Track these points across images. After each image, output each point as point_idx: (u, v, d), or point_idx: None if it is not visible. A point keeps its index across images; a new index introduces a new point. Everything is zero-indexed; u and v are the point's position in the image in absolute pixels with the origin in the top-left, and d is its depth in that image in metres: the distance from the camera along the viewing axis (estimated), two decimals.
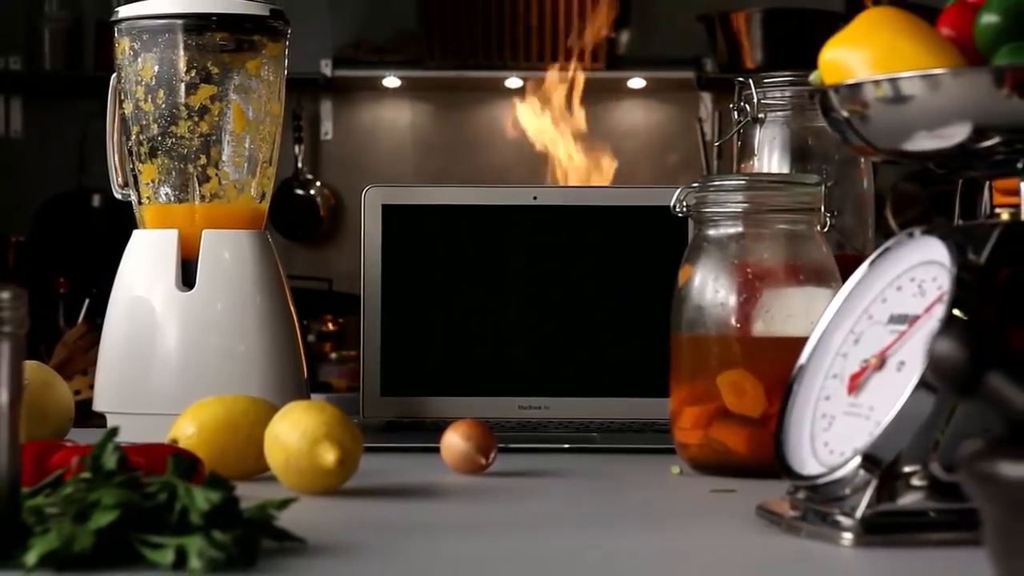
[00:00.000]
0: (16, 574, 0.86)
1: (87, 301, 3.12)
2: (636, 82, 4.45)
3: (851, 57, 1.06)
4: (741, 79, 1.55)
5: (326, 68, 4.34)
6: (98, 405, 1.51)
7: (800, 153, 1.53)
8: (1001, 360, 0.65)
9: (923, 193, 4.26)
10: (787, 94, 1.52)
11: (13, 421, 0.89)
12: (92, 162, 4.39)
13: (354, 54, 4.42)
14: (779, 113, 1.53)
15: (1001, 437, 0.66)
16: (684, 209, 1.36)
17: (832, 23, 4.02)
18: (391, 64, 4.41)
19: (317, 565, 0.91)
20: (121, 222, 4.47)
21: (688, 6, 4.37)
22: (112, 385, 1.49)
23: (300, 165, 4.46)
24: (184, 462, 0.95)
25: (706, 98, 4.42)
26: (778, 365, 1.16)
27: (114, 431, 0.97)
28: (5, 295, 0.89)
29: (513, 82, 4.42)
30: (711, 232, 1.34)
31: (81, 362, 2.90)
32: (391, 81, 4.44)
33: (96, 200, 4.35)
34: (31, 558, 0.86)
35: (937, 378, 0.67)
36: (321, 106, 4.50)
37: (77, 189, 4.37)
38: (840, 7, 4.19)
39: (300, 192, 4.47)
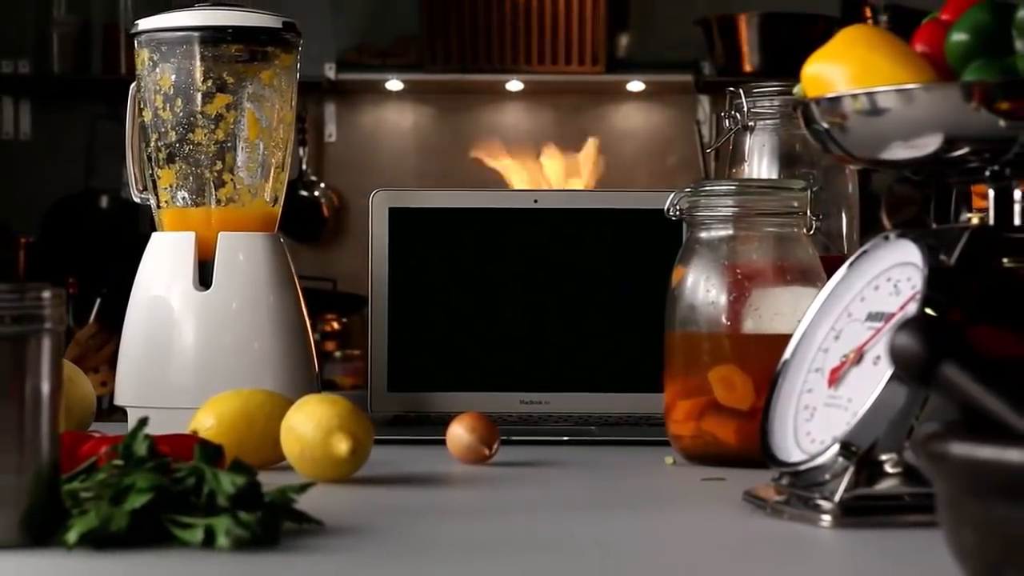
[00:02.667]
0: (57, 552, 0.94)
1: (98, 301, 3.19)
2: (635, 85, 4.52)
3: (831, 72, 1.13)
4: (732, 88, 1.62)
5: (330, 71, 4.40)
6: (119, 399, 1.58)
7: (788, 159, 1.60)
8: (955, 352, 0.72)
9: (918, 195, 4.32)
10: (776, 103, 1.59)
11: (53, 411, 0.97)
12: (99, 164, 4.46)
13: (357, 58, 4.49)
14: (768, 121, 1.60)
15: (954, 422, 0.74)
16: (678, 213, 1.43)
17: (828, 27, 4.10)
18: (394, 67, 4.47)
19: (334, 544, 0.98)
20: (128, 223, 4.53)
21: (686, 10, 4.43)
22: (133, 380, 1.56)
23: (304, 167, 4.53)
24: (210, 449, 1.02)
25: (704, 101, 4.48)
26: (766, 361, 1.21)
27: (144, 421, 1.04)
28: (46, 294, 0.97)
29: (514, 85, 4.49)
30: (703, 234, 1.40)
31: (93, 360, 2.97)
32: (394, 84, 4.51)
33: (103, 201, 4.42)
34: (72, 537, 0.93)
35: (896, 368, 0.74)
36: (325, 109, 4.57)
37: (85, 190, 4.44)
38: (835, 11, 4.26)
39: (304, 193, 4.53)
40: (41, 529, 0.95)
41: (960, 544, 0.70)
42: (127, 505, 0.95)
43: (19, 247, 4.10)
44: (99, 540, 0.93)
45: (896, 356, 0.74)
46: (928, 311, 1.02)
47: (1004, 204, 1.10)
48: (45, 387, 0.96)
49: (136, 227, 4.36)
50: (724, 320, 1.38)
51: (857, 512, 1.05)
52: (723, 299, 1.38)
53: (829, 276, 1.20)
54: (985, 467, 0.67)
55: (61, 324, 0.98)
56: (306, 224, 4.50)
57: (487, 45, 4.38)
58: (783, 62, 4.16)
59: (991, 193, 1.09)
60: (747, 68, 4.26)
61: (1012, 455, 0.66)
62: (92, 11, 4.43)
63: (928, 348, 0.72)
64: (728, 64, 4.30)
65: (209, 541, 0.94)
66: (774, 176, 1.60)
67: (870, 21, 4.07)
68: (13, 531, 0.94)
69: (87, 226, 4.34)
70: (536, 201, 1.74)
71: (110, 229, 4.32)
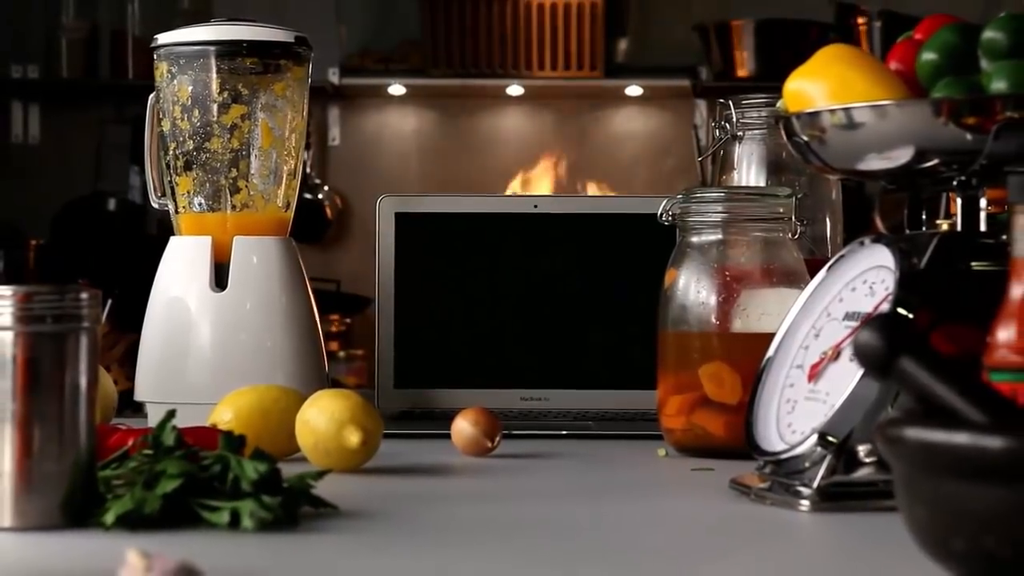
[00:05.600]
0: (95, 532, 1.02)
1: (109, 301, 3.25)
2: (633, 90, 4.58)
3: (811, 88, 1.21)
4: (722, 100, 1.70)
5: (333, 76, 4.47)
6: (139, 395, 1.65)
7: (775, 167, 1.67)
8: (911, 347, 0.80)
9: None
10: (763, 114, 1.66)
11: (90, 403, 1.05)
12: (107, 167, 4.54)
13: (360, 63, 4.55)
14: (756, 131, 1.67)
15: (911, 409, 0.82)
16: (670, 218, 1.50)
17: (822, 33, 4.17)
18: (396, 72, 4.54)
19: (349, 526, 1.07)
20: (135, 225, 4.59)
21: (684, 16, 4.50)
22: (152, 377, 1.64)
23: (308, 170, 4.60)
24: (234, 439, 1.10)
25: (701, 105, 4.54)
26: (753, 358, 1.28)
27: (172, 413, 1.12)
28: (84, 295, 1.05)
29: (514, 90, 4.56)
30: (694, 239, 1.48)
31: (104, 359, 3.04)
32: (396, 89, 4.57)
33: (111, 204, 4.48)
34: (109, 518, 1.01)
35: (859, 362, 0.82)
36: (329, 113, 4.64)
37: (93, 193, 4.51)
38: (829, 18, 4.33)
39: (308, 196, 4.59)
40: (80, 512, 1.03)
41: (914, 519, 0.78)
42: (159, 490, 1.03)
43: (29, 248, 4.17)
44: (134, 522, 1.02)
45: (859, 351, 0.82)
46: (900, 311, 1.10)
47: (971, 211, 1.18)
48: (83, 381, 1.04)
49: (143, 229, 4.44)
50: (714, 320, 1.45)
51: (834, 498, 1.13)
52: (713, 300, 1.45)
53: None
54: (936, 449, 0.75)
55: (97, 323, 1.06)
56: (310, 226, 4.55)
57: (488, 50, 4.45)
58: (778, 67, 4.21)
59: (959, 201, 1.17)
60: (743, 73, 4.33)
61: (959, 438, 0.74)
62: (100, 17, 4.49)
63: (887, 344, 0.80)
64: (725, 69, 4.36)
65: (235, 523, 1.02)
66: (761, 183, 1.67)
67: (863, 28, 4.14)
68: (54, 514, 1.02)
69: (96, 228, 4.40)
70: (536, 206, 1.82)
71: (118, 231, 4.39)
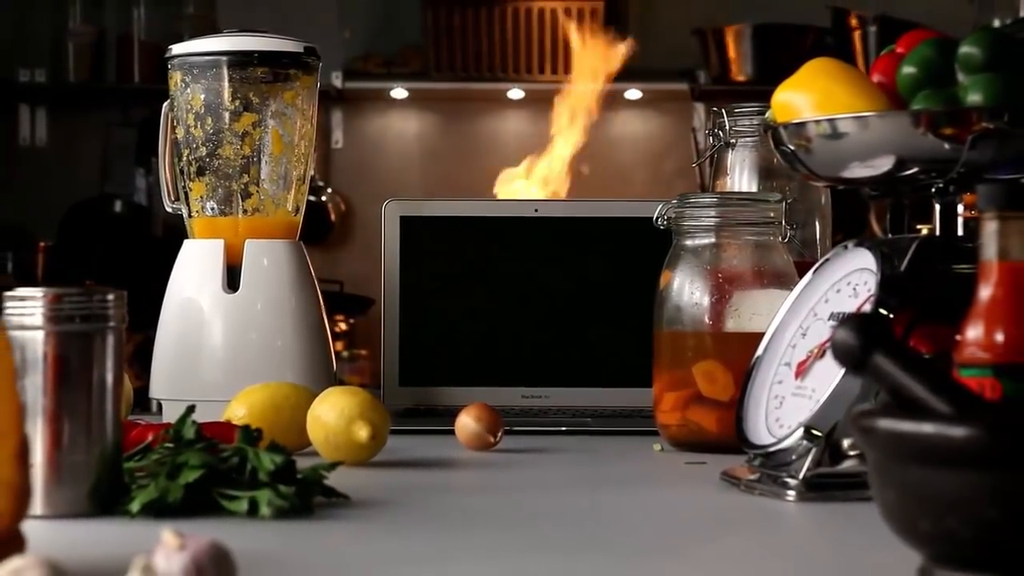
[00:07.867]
0: (122, 520, 1.08)
1: None
2: (632, 93, 4.62)
3: (797, 100, 1.27)
4: (716, 108, 1.76)
5: (337, 80, 4.51)
6: (154, 393, 1.71)
7: (766, 173, 1.73)
8: (884, 344, 0.86)
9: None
10: (755, 122, 1.72)
11: (116, 398, 1.11)
12: (114, 170, 4.59)
13: (363, 67, 4.60)
14: (748, 138, 1.73)
15: (885, 402, 0.88)
16: (665, 222, 1.56)
17: (818, 37, 4.23)
18: (399, 76, 4.59)
19: (360, 515, 1.13)
20: (141, 226, 4.62)
21: (682, 21, 4.55)
22: (166, 375, 1.70)
23: (312, 173, 4.64)
24: (251, 432, 1.16)
25: (700, 109, 4.59)
26: (745, 356, 1.34)
27: (192, 408, 1.18)
28: (110, 296, 1.11)
29: (515, 93, 4.62)
30: (688, 242, 1.54)
31: None
32: (399, 92, 4.62)
33: (118, 206, 4.53)
34: (135, 507, 1.07)
35: (836, 359, 0.88)
36: (332, 116, 4.69)
37: (100, 195, 4.56)
38: (826, 22, 4.38)
39: (312, 198, 4.62)
40: (106, 501, 1.09)
41: (885, 503, 0.85)
42: (182, 480, 1.09)
43: (37, 250, 4.22)
44: (158, 510, 1.08)
45: (835, 349, 0.88)
46: (880, 310, 1.16)
47: (949, 217, 1.24)
48: (109, 378, 1.10)
49: (150, 230, 4.49)
50: (707, 320, 1.51)
51: (819, 488, 1.19)
52: (706, 301, 1.51)
53: None
54: (904, 438, 0.81)
55: (123, 322, 1.12)
56: (313, 227, 4.57)
57: (489, 54, 4.50)
58: (776, 71, 4.26)
59: (937, 207, 1.23)
60: (741, 77, 4.38)
61: (926, 428, 0.80)
62: (106, 21, 4.54)
63: (861, 342, 0.87)
64: (722, 73, 4.42)
65: (253, 511, 1.08)
66: (753, 188, 1.73)
67: (858, 32, 4.20)
68: (83, 502, 1.09)
69: (102, 229, 4.44)
70: (536, 210, 1.88)
71: (124, 232, 4.44)
